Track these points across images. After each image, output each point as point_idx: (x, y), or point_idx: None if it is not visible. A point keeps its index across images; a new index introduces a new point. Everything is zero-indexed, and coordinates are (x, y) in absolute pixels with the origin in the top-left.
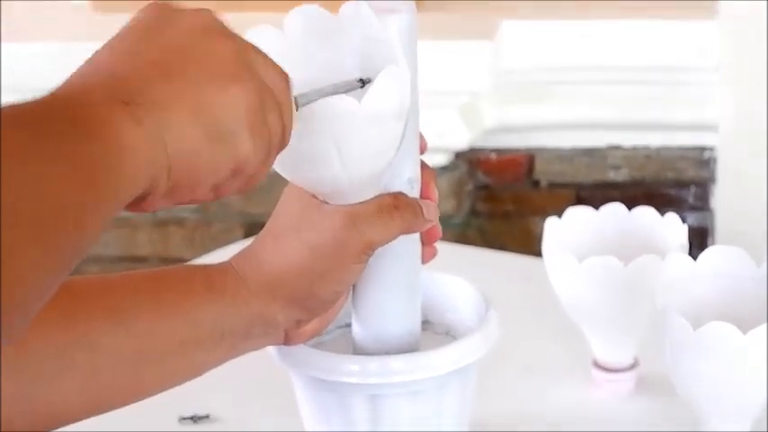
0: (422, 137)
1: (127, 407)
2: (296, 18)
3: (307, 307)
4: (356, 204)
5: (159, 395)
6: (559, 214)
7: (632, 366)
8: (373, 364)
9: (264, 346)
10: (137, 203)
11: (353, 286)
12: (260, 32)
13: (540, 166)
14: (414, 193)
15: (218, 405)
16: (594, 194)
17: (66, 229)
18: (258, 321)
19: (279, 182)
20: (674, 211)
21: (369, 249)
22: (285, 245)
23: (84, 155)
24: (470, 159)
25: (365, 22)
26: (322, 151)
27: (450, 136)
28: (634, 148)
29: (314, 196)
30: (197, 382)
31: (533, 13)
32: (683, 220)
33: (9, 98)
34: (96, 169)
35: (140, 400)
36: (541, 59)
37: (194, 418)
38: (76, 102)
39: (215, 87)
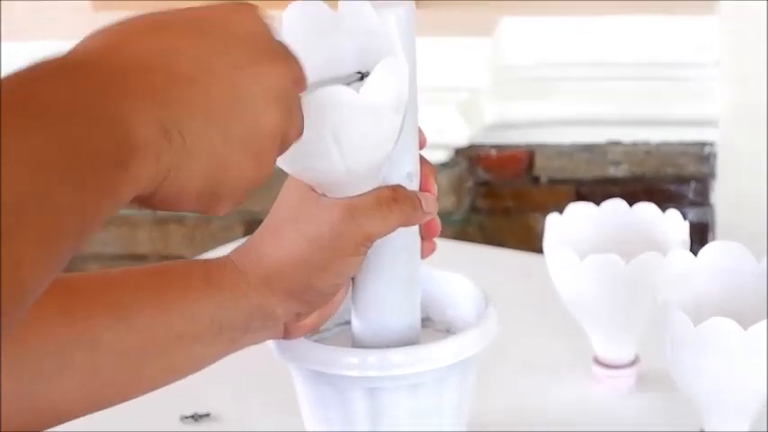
0: (421, 132)
1: (128, 406)
2: (295, 12)
3: (305, 300)
4: (355, 197)
5: (159, 394)
6: (559, 210)
7: (633, 363)
8: (372, 356)
9: (264, 339)
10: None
11: (352, 279)
12: None
13: (540, 163)
14: (413, 187)
15: (218, 402)
16: (594, 190)
17: (67, 227)
18: (257, 315)
19: (278, 179)
20: (674, 206)
21: (367, 241)
22: (284, 237)
23: (97, 154)
24: (470, 156)
25: (364, 16)
26: (320, 141)
27: (449, 132)
28: (634, 144)
29: (313, 189)
30: (197, 379)
31: (533, 9)
32: (684, 216)
33: None
34: (107, 167)
35: (140, 395)
36: (541, 55)
37: (195, 417)
38: (108, 96)
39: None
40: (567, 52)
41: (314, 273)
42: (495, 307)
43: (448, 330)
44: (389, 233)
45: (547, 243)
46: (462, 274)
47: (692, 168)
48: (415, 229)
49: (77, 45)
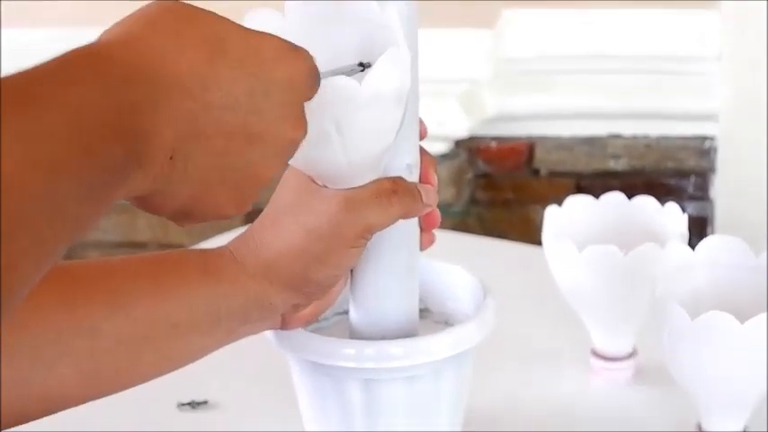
0: (422, 122)
1: (125, 393)
2: (297, 2)
3: (304, 291)
4: (355, 188)
5: (157, 381)
6: (559, 203)
7: (631, 355)
8: (370, 348)
9: (262, 330)
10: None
11: (351, 270)
12: (260, 15)
13: (540, 155)
14: (412, 178)
15: (215, 390)
16: (594, 183)
17: (63, 231)
18: (255, 305)
19: None
20: (673, 200)
21: (366, 233)
22: (282, 228)
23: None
24: (470, 147)
25: (366, 6)
26: (322, 132)
27: (450, 124)
28: (634, 138)
29: (313, 180)
30: (194, 366)
31: (534, 1)
32: (683, 210)
33: None
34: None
35: (138, 383)
36: (542, 48)
37: (192, 404)
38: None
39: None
40: (567, 45)
41: (312, 264)
42: (493, 298)
43: (446, 322)
44: (389, 225)
45: (546, 235)
46: (461, 265)
47: (691, 162)
48: (415, 220)
49: (114, 30)
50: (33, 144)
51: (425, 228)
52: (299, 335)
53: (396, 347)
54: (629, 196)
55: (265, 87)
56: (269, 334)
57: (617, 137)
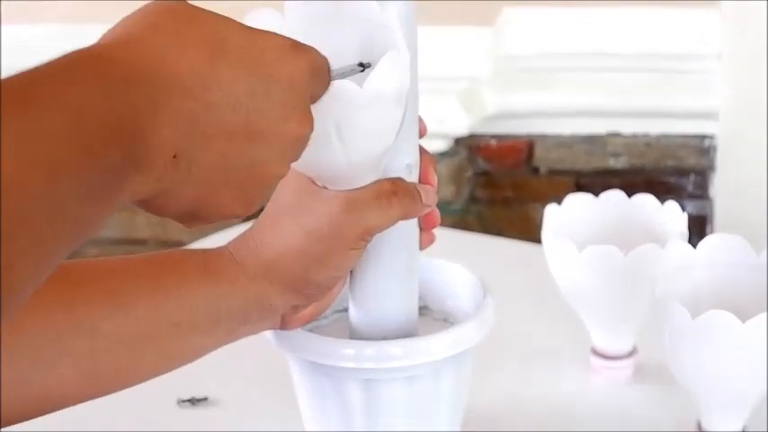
0: (421, 120)
1: (126, 390)
2: (297, 2)
3: (304, 292)
4: (355, 190)
5: (157, 378)
6: (559, 201)
7: (630, 354)
8: (369, 348)
9: (261, 330)
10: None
11: (351, 270)
12: (260, 15)
13: (539, 153)
14: (412, 178)
15: (215, 388)
16: (594, 182)
17: (64, 233)
18: (255, 306)
19: None
20: (673, 199)
21: (367, 235)
22: (282, 229)
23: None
24: (470, 145)
25: (365, 6)
26: (322, 134)
27: (449, 122)
28: (634, 136)
29: (313, 181)
30: (195, 364)
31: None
32: (683, 208)
33: None
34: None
35: (138, 383)
36: (542, 46)
37: (193, 401)
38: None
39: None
40: (568, 43)
41: (312, 265)
42: (492, 297)
43: (445, 319)
44: (389, 227)
45: (545, 233)
46: (461, 263)
47: (691, 161)
48: (414, 221)
49: (114, 31)
50: (32, 144)
51: (425, 227)
52: (298, 335)
53: (395, 347)
54: (629, 195)
55: (267, 86)
56: (268, 334)
57: (617, 135)
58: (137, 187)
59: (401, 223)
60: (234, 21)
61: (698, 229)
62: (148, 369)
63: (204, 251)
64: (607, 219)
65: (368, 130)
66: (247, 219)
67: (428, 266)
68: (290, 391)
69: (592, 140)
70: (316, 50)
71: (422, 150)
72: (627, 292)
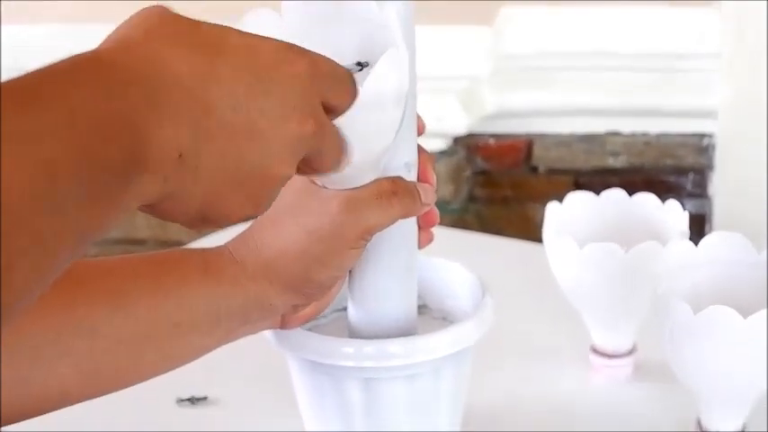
0: (420, 119)
1: (125, 389)
2: (295, 2)
3: (304, 292)
4: (354, 189)
5: (157, 377)
6: (558, 200)
7: (630, 352)
8: (369, 347)
9: (261, 329)
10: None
11: (350, 270)
12: (258, 16)
13: (538, 152)
14: (411, 177)
15: (215, 387)
16: (593, 181)
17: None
18: (255, 306)
19: None
20: (672, 197)
21: (367, 234)
22: (282, 229)
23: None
24: (469, 145)
25: (364, 6)
26: None
27: (448, 121)
28: (633, 135)
29: (312, 181)
30: (195, 364)
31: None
32: (682, 207)
33: None
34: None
35: (138, 382)
36: (541, 45)
37: (192, 400)
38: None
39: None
40: (567, 42)
41: (312, 265)
42: (492, 296)
43: (444, 318)
44: (389, 226)
45: (546, 231)
46: (460, 262)
47: (690, 160)
48: (413, 220)
49: (120, 31)
50: (29, 143)
51: (424, 226)
52: (298, 334)
53: (395, 346)
54: (628, 193)
55: (265, 86)
56: (268, 333)
57: (616, 134)
58: (144, 189)
59: (401, 223)
60: (229, 27)
61: (697, 227)
62: (148, 369)
63: (204, 251)
64: (608, 217)
65: (367, 130)
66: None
67: (427, 265)
68: (289, 390)
69: (591, 139)
70: (316, 53)
71: (421, 149)
72: (627, 290)
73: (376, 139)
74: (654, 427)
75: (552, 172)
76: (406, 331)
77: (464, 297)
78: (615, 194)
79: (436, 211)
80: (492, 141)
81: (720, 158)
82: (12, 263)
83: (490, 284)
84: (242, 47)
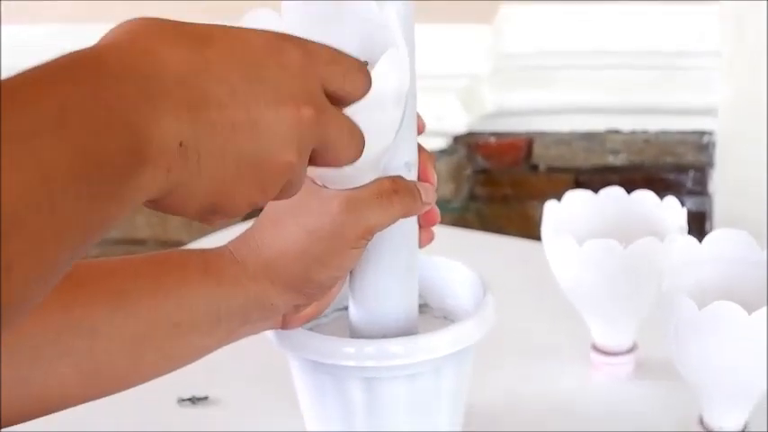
0: (420, 118)
1: (126, 390)
2: (295, 2)
3: (304, 292)
4: (355, 189)
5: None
6: (558, 198)
7: (631, 350)
8: (370, 347)
9: (262, 330)
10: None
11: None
12: (258, 16)
13: (538, 151)
14: (411, 176)
15: (216, 387)
16: (593, 179)
17: (67, 233)
18: (255, 306)
19: None
20: (672, 195)
21: (368, 234)
22: (283, 229)
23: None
24: (469, 143)
25: (364, 6)
26: None
27: (448, 120)
28: (633, 133)
29: (312, 181)
30: (196, 363)
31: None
32: (682, 205)
33: None
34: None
35: (139, 383)
36: (541, 43)
37: (193, 400)
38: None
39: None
40: (566, 40)
41: (313, 265)
42: (493, 294)
43: (445, 317)
44: (390, 225)
45: (545, 230)
46: (460, 260)
47: (690, 157)
48: (414, 219)
49: (106, 37)
50: (19, 142)
51: (424, 225)
52: (299, 334)
53: (396, 346)
54: (628, 191)
55: (258, 72)
56: (269, 333)
57: (616, 132)
58: (147, 182)
59: (401, 222)
60: (216, 24)
61: (697, 225)
62: (149, 369)
63: (204, 251)
64: (607, 215)
65: (368, 130)
66: (247, 218)
67: (428, 264)
68: (290, 390)
69: (591, 137)
70: (316, 43)
71: (421, 148)
72: (627, 288)
73: (376, 138)
74: (655, 424)
75: (552, 170)
76: (406, 330)
77: (465, 296)
78: (614, 192)
79: (437, 211)
80: (492, 140)
81: (720, 156)
82: (11, 265)
83: (490, 283)
84: (231, 38)
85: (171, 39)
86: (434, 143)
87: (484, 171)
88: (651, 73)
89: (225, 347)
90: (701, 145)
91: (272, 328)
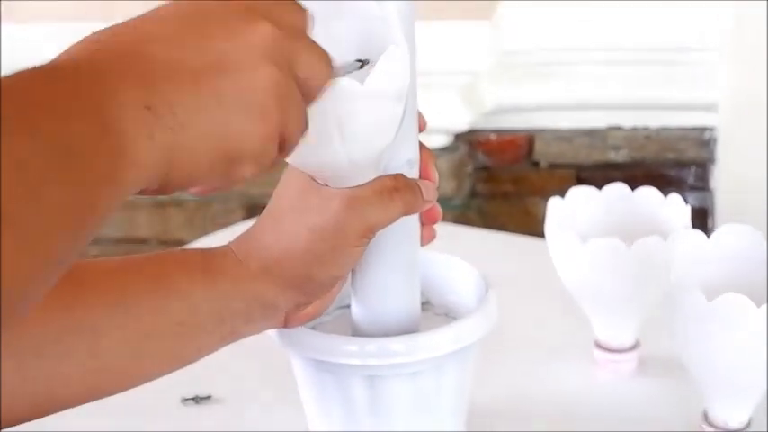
0: (421, 115)
1: (130, 389)
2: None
3: (306, 290)
4: (356, 187)
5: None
6: (559, 195)
7: (634, 347)
8: (372, 345)
9: (265, 329)
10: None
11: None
12: None
13: (539, 147)
14: (413, 174)
15: (219, 386)
16: (594, 175)
17: (58, 224)
18: (257, 305)
19: (279, 163)
20: (674, 191)
21: (369, 232)
22: (285, 228)
23: (91, 164)
24: (470, 140)
25: (364, 3)
26: (323, 132)
27: (450, 117)
28: (634, 129)
29: (314, 179)
30: (198, 363)
31: None
32: (685, 201)
33: None
34: (99, 179)
35: (142, 383)
36: (542, 40)
37: (196, 399)
38: (99, 88)
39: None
40: (567, 37)
41: (315, 264)
42: (494, 291)
43: (447, 314)
44: (391, 223)
45: (548, 226)
46: (462, 257)
47: (692, 153)
48: (416, 217)
49: (61, 54)
50: None
51: (426, 223)
52: (301, 332)
53: (398, 343)
54: (630, 188)
55: (199, 18)
56: (272, 332)
57: (617, 128)
58: (137, 155)
59: (403, 219)
60: None
61: (699, 221)
62: (152, 369)
63: (206, 250)
64: (610, 212)
65: (369, 128)
66: (248, 217)
67: (430, 261)
68: (293, 388)
69: (592, 134)
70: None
71: (422, 146)
72: (630, 285)
73: (377, 136)
74: (658, 421)
75: (554, 167)
76: (408, 328)
77: (467, 293)
78: (617, 189)
79: (438, 208)
80: (493, 137)
81: (722, 152)
82: (5, 258)
83: (492, 280)
84: (182, 8)
85: (115, 33)
86: (435, 140)
87: (485, 168)
88: (652, 69)
89: (227, 347)
90: (703, 141)
91: (274, 327)
